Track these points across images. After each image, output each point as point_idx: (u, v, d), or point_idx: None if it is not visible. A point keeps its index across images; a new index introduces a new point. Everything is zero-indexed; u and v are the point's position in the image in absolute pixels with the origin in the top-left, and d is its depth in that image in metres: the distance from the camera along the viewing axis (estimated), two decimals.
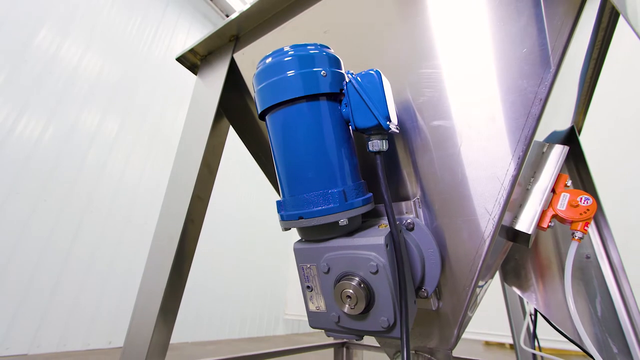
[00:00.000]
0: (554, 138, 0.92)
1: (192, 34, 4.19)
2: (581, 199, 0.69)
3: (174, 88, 3.76)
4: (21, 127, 2.54)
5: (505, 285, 1.24)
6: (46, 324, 2.46)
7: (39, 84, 2.69)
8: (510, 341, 1.57)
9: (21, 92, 2.58)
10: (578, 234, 0.70)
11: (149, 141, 3.41)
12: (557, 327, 1.04)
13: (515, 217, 0.70)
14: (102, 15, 3.26)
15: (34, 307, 2.42)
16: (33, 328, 2.40)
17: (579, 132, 1.14)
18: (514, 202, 0.69)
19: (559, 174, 0.72)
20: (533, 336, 1.20)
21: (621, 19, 0.80)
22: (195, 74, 0.95)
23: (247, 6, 0.79)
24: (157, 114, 3.56)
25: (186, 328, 3.45)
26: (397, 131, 0.55)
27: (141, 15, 3.65)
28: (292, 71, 0.49)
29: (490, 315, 2.50)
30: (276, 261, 4.73)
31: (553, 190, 0.72)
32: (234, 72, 0.87)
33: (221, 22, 0.84)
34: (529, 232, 0.67)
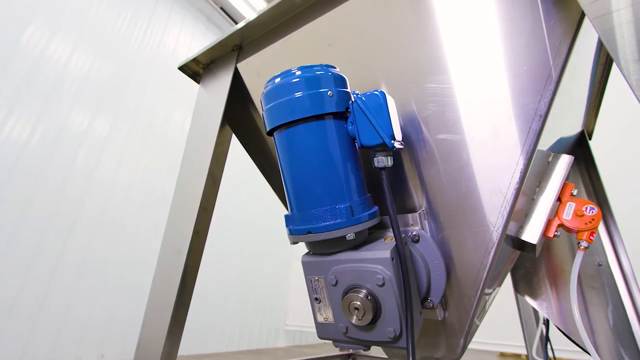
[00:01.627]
0: (562, 144, 0.98)
1: (185, 28, 4.26)
2: (586, 208, 0.75)
3: (167, 85, 3.83)
4: (8, 129, 2.61)
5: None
6: (35, 336, 2.53)
7: (27, 83, 2.76)
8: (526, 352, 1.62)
9: (8, 92, 2.65)
10: (584, 244, 0.76)
11: (142, 141, 3.47)
12: (569, 335, 1.10)
13: (521, 227, 0.75)
14: (92, 9, 3.33)
15: (22, 319, 2.48)
16: (23, 341, 2.46)
17: (590, 135, 1.20)
18: (519, 212, 0.75)
19: (564, 183, 0.78)
20: (545, 346, 1.25)
21: None
22: (198, 82, 1.01)
23: (252, 16, 0.85)
24: (149, 112, 3.62)
25: (183, 340, 3.51)
26: (402, 147, 0.61)
27: (132, 10, 3.71)
28: (300, 92, 0.55)
29: (504, 325, 2.55)
30: (276, 269, 4.79)
31: (559, 199, 0.78)
32: (237, 82, 0.93)
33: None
34: (535, 242, 0.73)
